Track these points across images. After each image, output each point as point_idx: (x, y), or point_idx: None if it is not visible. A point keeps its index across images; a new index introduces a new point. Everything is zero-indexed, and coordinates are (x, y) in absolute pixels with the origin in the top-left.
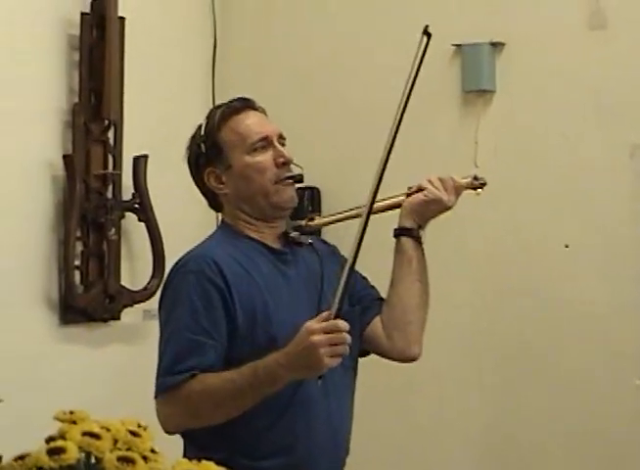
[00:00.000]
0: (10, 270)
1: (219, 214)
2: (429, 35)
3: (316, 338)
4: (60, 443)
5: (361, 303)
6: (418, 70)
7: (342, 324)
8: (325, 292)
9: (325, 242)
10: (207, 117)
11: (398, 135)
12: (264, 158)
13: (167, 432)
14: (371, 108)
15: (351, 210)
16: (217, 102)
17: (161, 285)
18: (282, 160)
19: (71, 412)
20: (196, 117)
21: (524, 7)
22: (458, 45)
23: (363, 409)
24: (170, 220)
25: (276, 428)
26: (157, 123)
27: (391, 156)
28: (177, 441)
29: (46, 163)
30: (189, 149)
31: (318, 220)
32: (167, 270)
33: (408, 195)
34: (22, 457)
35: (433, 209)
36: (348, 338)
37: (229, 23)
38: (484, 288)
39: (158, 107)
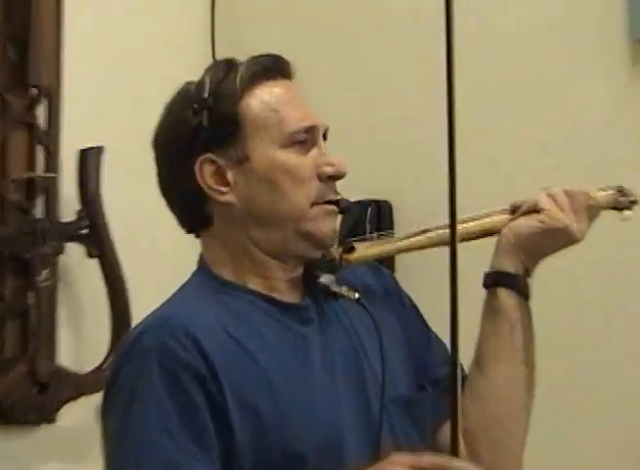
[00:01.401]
0: None
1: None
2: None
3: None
4: None
5: (435, 383)
6: None
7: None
8: (388, 363)
9: (377, 269)
10: (217, 73)
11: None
12: (305, 160)
13: None
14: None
15: (422, 232)
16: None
17: None
18: (330, 169)
19: None
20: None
21: None
22: None
23: None
24: (142, 254)
25: None
26: (117, 98)
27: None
28: None
29: None
30: (170, 116)
31: (362, 252)
32: None
33: (513, 217)
34: None
35: (552, 242)
36: None
37: None
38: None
39: (118, 71)
